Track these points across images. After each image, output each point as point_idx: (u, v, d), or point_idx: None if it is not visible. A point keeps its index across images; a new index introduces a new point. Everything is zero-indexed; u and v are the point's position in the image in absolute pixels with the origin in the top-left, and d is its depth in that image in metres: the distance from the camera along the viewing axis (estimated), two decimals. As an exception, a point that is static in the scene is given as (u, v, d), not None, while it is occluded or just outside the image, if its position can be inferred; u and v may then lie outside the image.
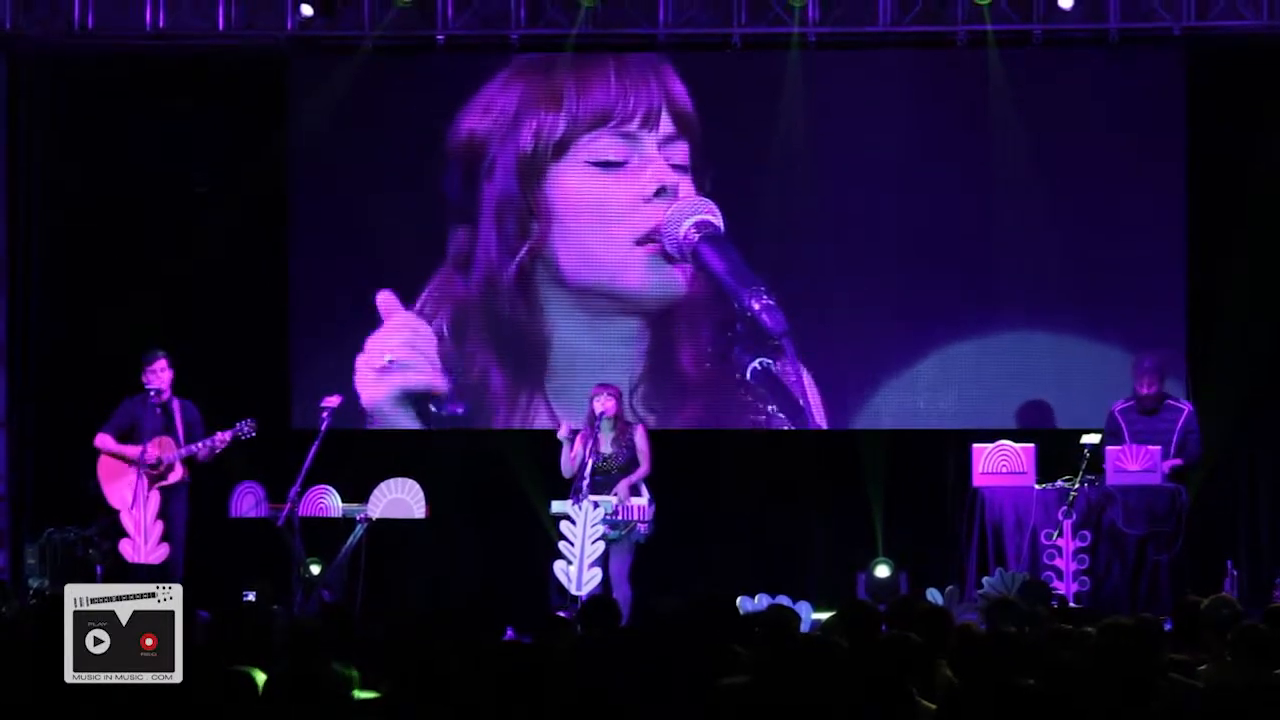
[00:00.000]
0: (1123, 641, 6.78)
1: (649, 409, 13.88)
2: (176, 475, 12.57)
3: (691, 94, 13.95)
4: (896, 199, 13.83)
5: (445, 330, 14.06)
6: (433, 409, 14.05)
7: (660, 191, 13.92)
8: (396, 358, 13.99)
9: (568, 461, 12.50)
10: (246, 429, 12.50)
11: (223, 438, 12.51)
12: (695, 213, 13.89)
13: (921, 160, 13.83)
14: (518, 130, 14.00)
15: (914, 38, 13.85)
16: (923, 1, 13.73)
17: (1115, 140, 13.73)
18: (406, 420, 14.04)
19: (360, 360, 14.01)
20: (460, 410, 14.07)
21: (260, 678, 6.12)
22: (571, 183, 14.00)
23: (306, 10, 13.89)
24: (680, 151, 13.95)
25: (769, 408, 13.89)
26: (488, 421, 14.07)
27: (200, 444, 12.52)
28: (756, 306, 13.79)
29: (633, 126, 13.96)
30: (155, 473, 12.54)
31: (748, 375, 13.87)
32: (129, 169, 14.05)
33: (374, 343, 14.04)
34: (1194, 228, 13.65)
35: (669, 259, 13.92)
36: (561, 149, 13.99)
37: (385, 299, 14.06)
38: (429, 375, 14.04)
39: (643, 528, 12.38)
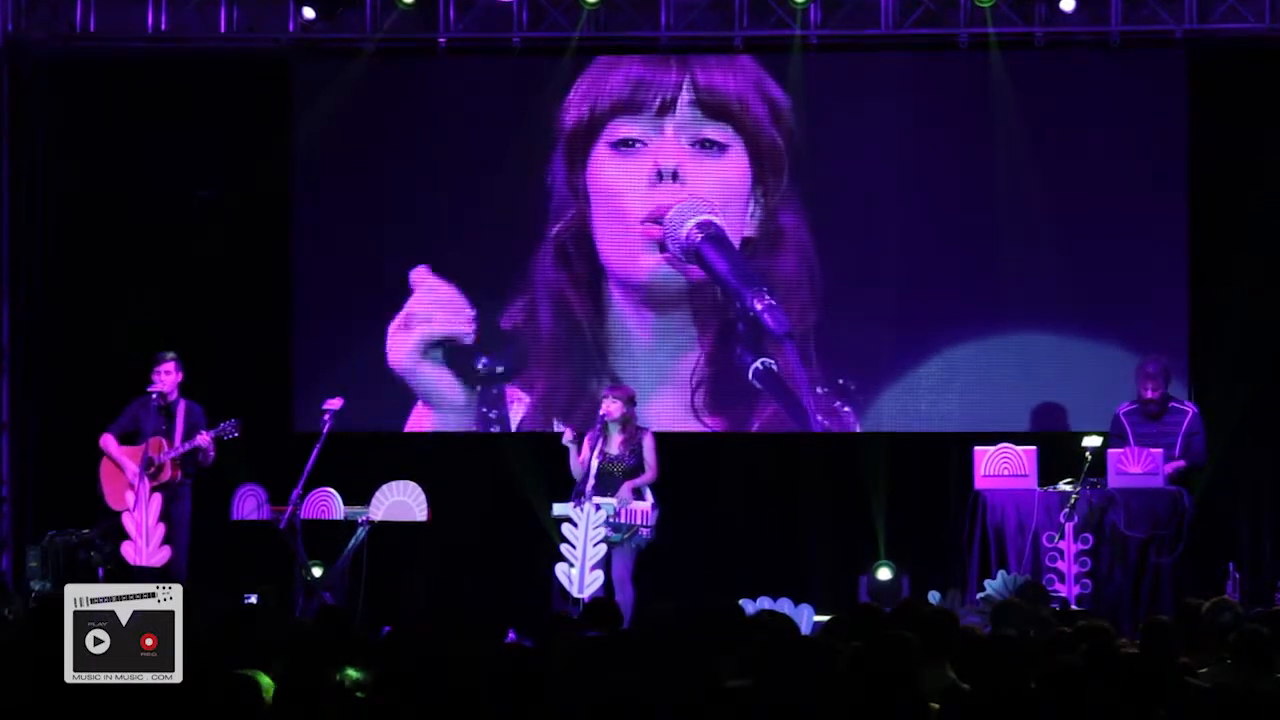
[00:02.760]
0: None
1: (704, 409, 13.91)
2: (166, 475, 12.55)
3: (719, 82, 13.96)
4: (898, 201, 13.84)
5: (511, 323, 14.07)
6: (478, 368, 14.04)
7: (659, 176, 13.92)
8: (415, 311, 14.01)
9: (575, 464, 12.50)
10: (229, 429, 12.49)
11: (205, 438, 12.50)
12: (697, 213, 13.89)
13: (923, 162, 13.84)
14: (566, 120, 14.00)
15: (916, 40, 13.86)
16: (925, 4, 13.74)
17: (1117, 142, 13.74)
18: (439, 375, 14.02)
19: (391, 328, 14.04)
20: (502, 367, 14.05)
21: (265, 681, 6.12)
22: (598, 168, 14.01)
23: (308, 13, 13.89)
24: (714, 130, 13.91)
25: (770, 409, 13.91)
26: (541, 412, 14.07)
27: (183, 445, 12.51)
28: (759, 307, 13.79)
29: (651, 111, 13.96)
30: (148, 474, 12.54)
31: (750, 375, 13.87)
32: (131, 172, 14.05)
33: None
34: (1196, 230, 13.65)
35: (672, 259, 13.92)
36: (593, 133, 14.00)
37: (418, 273, 14.08)
38: (451, 325, 14.03)
39: (645, 532, 12.37)
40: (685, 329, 14.02)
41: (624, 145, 14.01)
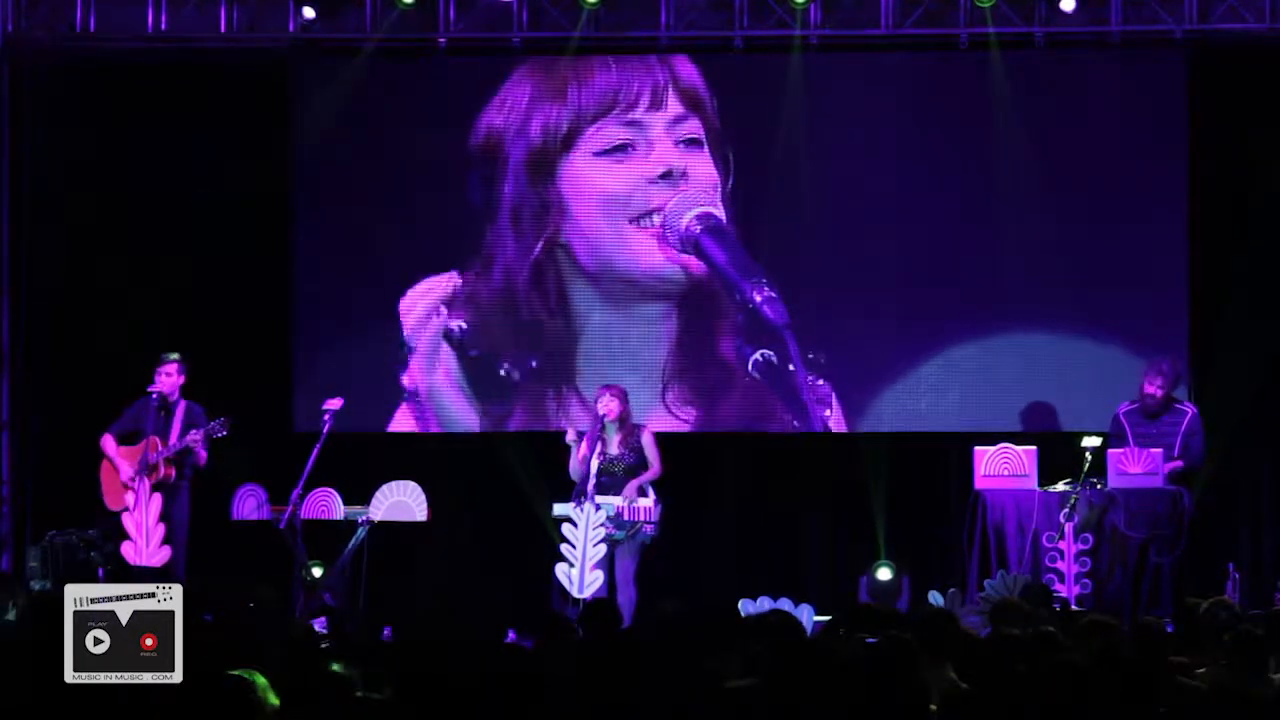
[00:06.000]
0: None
1: (683, 402, 13.90)
2: (160, 474, 12.56)
3: (700, 74, 13.96)
4: (898, 201, 13.85)
5: (467, 332, 14.05)
6: (502, 372, 14.06)
7: (666, 175, 13.92)
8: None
9: (575, 464, 12.50)
10: (217, 428, 12.48)
11: (194, 436, 12.50)
12: (697, 205, 13.90)
13: (923, 162, 13.84)
14: (528, 127, 13.99)
15: (916, 40, 13.85)
16: (925, 4, 13.75)
17: (1117, 142, 13.74)
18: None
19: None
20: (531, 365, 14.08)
21: (260, 681, 6.12)
22: (582, 175, 13.99)
23: (308, 13, 13.90)
24: (693, 126, 13.93)
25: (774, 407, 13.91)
26: (519, 421, 14.06)
27: (175, 443, 12.51)
28: (758, 298, 13.80)
29: (638, 112, 13.96)
30: (144, 473, 12.54)
31: (749, 367, 13.87)
32: (131, 171, 14.05)
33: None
34: (1196, 230, 13.64)
35: (672, 251, 13.92)
36: (569, 142, 13.98)
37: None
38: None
39: (648, 529, 12.38)
40: (687, 329, 14.01)
41: (613, 152, 13.98)
